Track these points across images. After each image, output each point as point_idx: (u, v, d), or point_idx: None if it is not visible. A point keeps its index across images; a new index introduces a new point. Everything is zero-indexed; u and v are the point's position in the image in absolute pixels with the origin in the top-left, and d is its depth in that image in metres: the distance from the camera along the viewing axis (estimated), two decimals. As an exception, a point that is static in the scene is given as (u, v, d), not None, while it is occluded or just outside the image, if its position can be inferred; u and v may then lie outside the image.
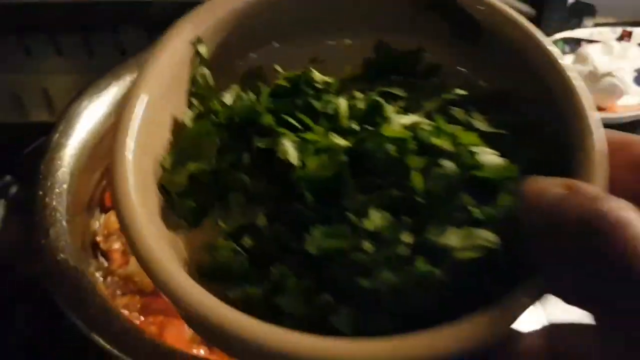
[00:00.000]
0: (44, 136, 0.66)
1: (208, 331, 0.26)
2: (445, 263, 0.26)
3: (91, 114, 0.67)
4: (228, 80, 0.34)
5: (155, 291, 0.67)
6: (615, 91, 0.98)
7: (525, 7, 1.13)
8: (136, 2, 0.95)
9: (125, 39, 0.99)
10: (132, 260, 0.67)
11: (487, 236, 0.26)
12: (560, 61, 0.32)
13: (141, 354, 0.52)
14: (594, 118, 0.29)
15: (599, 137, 0.28)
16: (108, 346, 0.51)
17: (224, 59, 0.34)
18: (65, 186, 0.61)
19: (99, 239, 0.70)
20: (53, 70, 1.02)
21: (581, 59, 1.02)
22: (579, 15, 1.13)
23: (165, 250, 0.28)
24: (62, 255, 0.57)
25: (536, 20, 1.13)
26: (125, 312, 0.65)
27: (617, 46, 1.03)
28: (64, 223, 0.59)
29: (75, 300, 0.54)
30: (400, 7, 0.36)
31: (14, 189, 0.73)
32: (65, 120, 0.66)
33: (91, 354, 0.55)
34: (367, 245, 0.27)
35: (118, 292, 0.67)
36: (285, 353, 0.24)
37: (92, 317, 0.54)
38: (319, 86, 0.33)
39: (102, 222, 0.71)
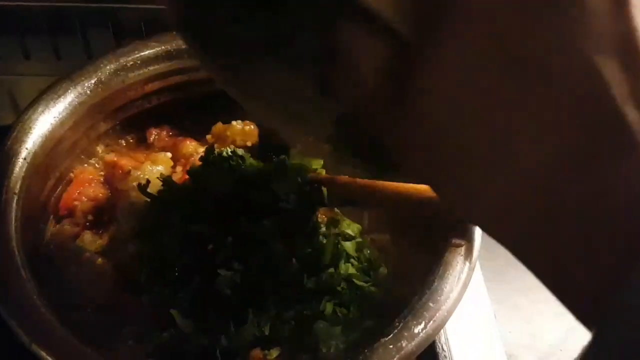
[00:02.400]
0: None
1: None
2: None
3: (46, 120, 0.66)
4: None
5: (109, 305, 0.66)
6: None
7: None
8: (105, 7, 0.95)
9: (93, 44, 0.98)
10: (84, 270, 0.65)
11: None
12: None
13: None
14: None
15: None
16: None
17: None
18: (16, 193, 0.60)
19: (52, 247, 0.68)
20: (20, 73, 1.01)
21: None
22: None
23: None
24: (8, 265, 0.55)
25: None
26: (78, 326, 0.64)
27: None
28: (13, 232, 0.58)
29: (18, 312, 0.53)
30: None
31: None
32: (19, 126, 0.64)
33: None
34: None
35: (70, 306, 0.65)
36: None
37: (36, 330, 0.53)
38: None
39: (56, 230, 0.69)
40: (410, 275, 0.63)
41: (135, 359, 0.60)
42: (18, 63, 0.99)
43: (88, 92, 0.69)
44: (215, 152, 0.69)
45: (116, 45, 0.94)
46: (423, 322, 0.52)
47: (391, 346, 0.51)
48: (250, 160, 0.68)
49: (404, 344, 0.50)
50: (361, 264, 0.66)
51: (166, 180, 0.68)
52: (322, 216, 0.66)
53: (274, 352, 0.61)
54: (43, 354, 0.50)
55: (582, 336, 0.84)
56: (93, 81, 0.69)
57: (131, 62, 0.72)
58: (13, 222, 0.58)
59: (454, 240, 0.60)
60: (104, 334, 0.63)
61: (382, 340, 0.51)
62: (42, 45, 0.98)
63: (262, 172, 0.65)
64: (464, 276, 0.56)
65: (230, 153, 0.68)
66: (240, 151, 0.69)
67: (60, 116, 0.67)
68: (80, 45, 0.98)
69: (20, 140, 0.63)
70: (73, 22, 0.96)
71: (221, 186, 0.66)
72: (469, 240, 0.59)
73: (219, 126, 0.79)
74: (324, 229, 0.64)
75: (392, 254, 0.70)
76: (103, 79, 0.70)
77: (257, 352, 0.60)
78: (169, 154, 0.74)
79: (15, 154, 0.62)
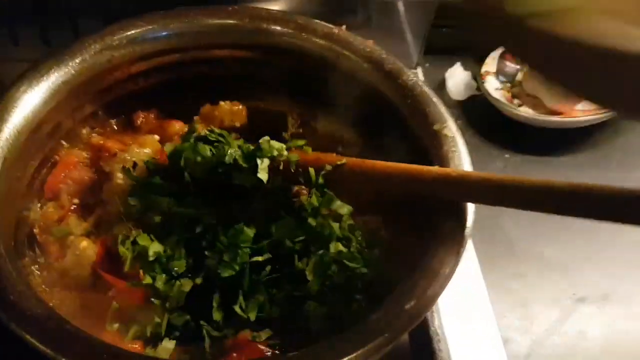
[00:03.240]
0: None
1: None
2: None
3: (30, 99, 0.64)
4: None
5: (95, 286, 0.64)
6: (573, 95, 0.99)
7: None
8: (95, -7, 0.93)
9: (83, 30, 0.96)
10: (69, 253, 0.64)
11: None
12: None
13: (74, 352, 0.50)
14: None
15: None
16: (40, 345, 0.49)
17: None
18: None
19: (35, 230, 0.66)
20: (8, 58, 0.99)
21: (540, 63, 1.02)
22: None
23: None
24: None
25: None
26: (62, 308, 0.62)
27: (575, 51, 1.03)
28: (-6, 211, 0.57)
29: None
30: None
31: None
32: (2, 105, 0.63)
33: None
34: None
35: (55, 288, 0.64)
36: None
37: (18, 311, 0.51)
38: None
39: (40, 213, 0.68)
40: (402, 256, 0.62)
41: (122, 341, 0.59)
42: (5, 48, 0.97)
43: (72, 71, 0.67)
44: (195, 132, 0.68)
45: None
46: (414, 299, 0.51)
47: (380, 323, 0.49)
48: (229, 139, 0.67)
49: (393, 320, 0.49)
50: (353, 245, 0.65)
51: (150, 162, 0.67)
52: (311, 196, 0.65)
53: (264, 334, 0.60)
54: (23, 333, 0.48)
55: (577, 320, 0.83)
56: (77, 60, 0.68)
57: (117, 42, 0.70)
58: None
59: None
60: (89, 316, 0.61)
61: (372, 316, 0.50)
62: (31, 30, 0.97)
63: (245, 153, 0.64)
64: (454, 254, 0.55)
65: (208, 132, 0.67)
66: (217, 130, 0.67)
67: (44, 96, 0.65)
68: (70, 31, 0.96)
69: (1, 119, 0.61)
70: (62, 8, 0.94)
71: (198, 166, 0.64)
72: (461, 219, 0.58)
73: (207, 107, 0.77)
74: (310, 210, 0.63)
75: (384, 235, 0.69)
76: (88, 59, 0.69)
77: (245, 334, 0.59)
78: (157, 137, 0.73)
79: (-3, 132, 0.60)
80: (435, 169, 0.59)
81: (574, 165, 1.00)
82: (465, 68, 1.10)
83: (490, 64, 1.06)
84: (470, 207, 0.59)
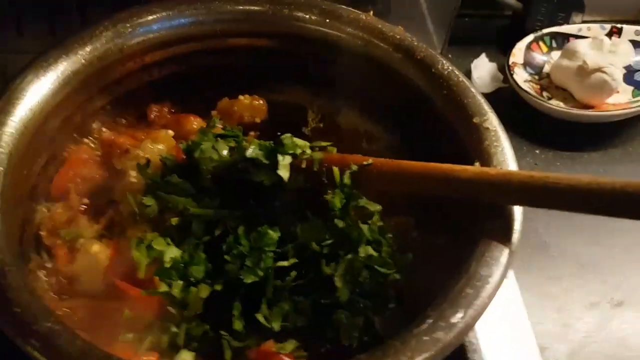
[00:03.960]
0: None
1: None
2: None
3: (36, 91, 0.60)
4: None
5: (107, 294, 0.60)
6: (605, 88, 0.94)
7: (512, 1, 1.08)
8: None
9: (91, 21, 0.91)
10: (79, 257, 0.59)
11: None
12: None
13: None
14: None
15: None
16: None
17: None
18: (1, 169, 0.54)
19: (42, 232, 0.62)
20: (13, 50, 0.94)
21: (569, 54, 0.97)
22: (567, 10, 1.08)
23: None
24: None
25: (523, 15, 1.09)
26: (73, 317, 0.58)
27: (607, 41, 0.98)
28: (-2, 211, 0.52)
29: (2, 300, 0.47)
30: None
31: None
32: (6, 96, 0.58)
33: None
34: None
35: (63, 296, 0.59)
36: None
37: (20, 320, 0.46)
38: None
39: (47, 214, 0.63)
40: (436, 261, 0.58)
41: (137, 353, 0.54)
42: (10, 40, 0.93)
43: (82, 61, 0.63)
44: (214, 125, 0.64)
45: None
46: (461, 310, 0.46)
47: (426, 337, 0.45)
48: (242, 138, 0.62)
49: (440, 335, 0.44)
50: (383, 249, 0.60)
51: (168, 158, 0.62)
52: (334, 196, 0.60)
53: (289, 346, 0.55)
54: (30, 350, 0.44)
55: (616, 325, 0.78)
56: (88, 49, 0.63)
57: (129, 29, 0.66)
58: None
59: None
60: (101, 326, 0.57)
61: (415, 331, 0.45)
62: (37, 21, 0.92)
63: (265, 151, 0.59)
64: (503, 259, 0.50)
65: (223, 130, 0.62)
66: (231, 129, 0.63)
67: (52, 87, 0.61)
68: (78, 21, 0.91)
69: (6, 112, 0.56)
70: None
71: (217, 163, 0.60)
72: (508, 220, 0.53)
73: (225, 101, 0.73)
74: (338, 210, 0.58)
75: (416, 238, 0.64)
76: (99, 47, 0.64)
77: (269, 345, 0.54)
78: (171, 132, 0.68)
79: (2, 125, 0.56)
80: (471, 168, 0.54)
81: (606, 161, 0.95)
82: (490, 59, 1.05)
83: (518, 55, 1.01)
84: (518, 208, 0.54)
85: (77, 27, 0.89)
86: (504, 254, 0.50)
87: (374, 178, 0.61)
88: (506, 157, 0.57)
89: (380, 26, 0.69)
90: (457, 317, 0.45)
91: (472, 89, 0.62)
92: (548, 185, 0.51)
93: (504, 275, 0.49)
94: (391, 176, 0.60)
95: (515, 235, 0.52)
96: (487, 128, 0.59)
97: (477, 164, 0.57)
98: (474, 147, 0.59)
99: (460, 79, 0.63)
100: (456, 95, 0.62)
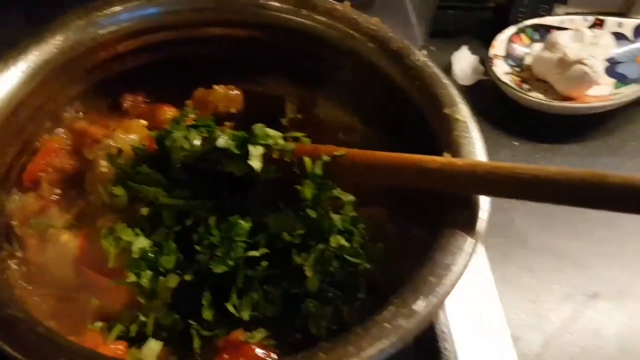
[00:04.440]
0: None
1: None
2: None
3: (5, 80, 0.59)
4: None
5: (77, 283, 0.60)
6: (585, 79, 0.94)
7: (495, -8, 1.08)
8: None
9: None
10: (50, 247, 0.59)
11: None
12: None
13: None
14: None
15: None
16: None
17: None
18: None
19: (13, 222, 0.62)
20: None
21: (550, 46, 0.97)
22: (549, 2, 1.08)
23: None
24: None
25: (506, 7, 1.09)
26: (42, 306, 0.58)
27: (589, 33, 0.98)
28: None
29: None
30: None
31: None
32: (-26, 86, 0.58)
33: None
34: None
35: (33, 285, 0.59)
36: None
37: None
38: None
39: (19, 204, 0.63)
40: (410, 252, 0.58)
41: (106, 342, 0.54)
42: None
43: (54, 50, 0.62)
44: (186, 118, 0.63)
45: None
46: (422, 298, 0.46)
47: (387, 325, 0.45)
48: (214, 128, 0.62)
49: (402, 322, 0.45)
50: (355, 239, 0.60)
51: (139, 148, 0.62)
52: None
53: (258, 334, 0.55)
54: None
55: (590, 317, 0.78)
56: (60, 38, 0.63)
57: (102, 18, 0.65)
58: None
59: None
60: (71, 315, 0.57)
61: (376, 318, 0.45)
62: (15, 12, 0.92)
63: (237, 141, 0.59)
64: (467, 248, 0.50)
65: (194, 120, 0.62)
66: (204, 120, 0.63)
67: (22, 75, 0.60)
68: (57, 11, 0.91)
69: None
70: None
71: (188, 152, 0.60)
72: (474, 211, 0.53)
73: (200, 91, 0.72)
74: (310, 201, 0.58)
75: (389, 228, 0.64)
76: (71, 36, 0.64)
77: (238, 334, 0.54)
78: (144, 122, 0.68)
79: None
80: (439, 158, 0.54)
81: (586, 154, 0.96)
82: (472, 52, 1.05)
83: (499, 47, 1.01)
84: (485, 198, 0.54)
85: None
86: (468, 243, 0.50)
87: (347, 169, 0.60)
88: (475, 148, 0.57)
89: (355, 17, 0.69)
90: (419, 305, 0.46)
91: (445, 80, 0.62)
92: (514, 175, 0.51)
93: (467, 264, 0.49)
94: (363, 167, 0.60)
95: (481, 225, 0.52)
96: (457, 119, 0.59)
97: (445, 154, 0.57)
98: (445, 138, 0.59)
99: (433, 70, 0.63)
100: (428, 86, 0.62)
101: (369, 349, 0.44)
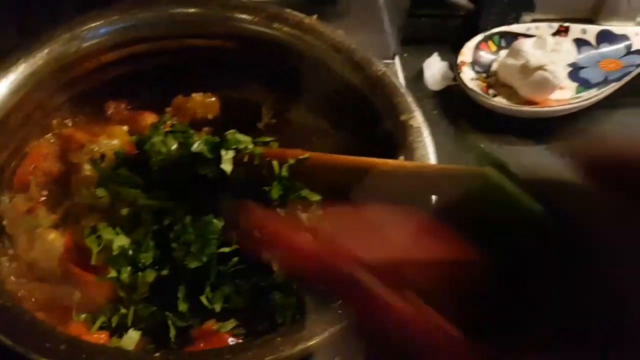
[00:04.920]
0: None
1: None
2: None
3: (-4, 90, 0.64)
4: None
5: (64, 278, 0.64)
6: (547, 85, 0.99)
7: (464, 1, 1.13)
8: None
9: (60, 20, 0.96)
10: (38, 244, 0.64)
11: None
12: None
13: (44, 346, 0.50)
14: None
15: None
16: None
17: None
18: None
19: (4, 222, 0.67)
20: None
21: (514, 53, 1.02)
22: (517, 9, 1.14)
23: None
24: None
25: (475, 15, 1.14)
26: (31, 298, 0.63)
27: (551, 40, 1.04)
28: (-41, 203, 0.57)
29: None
30: None
31: None
32: (-32, 96, 0.63)
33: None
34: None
35: (23, 279, 0.64)
36: None
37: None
38: None
39: (9, 205, 0.68)
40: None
41: (89, 331, 0.59)
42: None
43: (40, 62, 0.67)
44: (165, 124, 0.68)
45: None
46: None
47: (340, 311, 0.50)
48: (190, 133, 0.67)
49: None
50: (320, 236, 0.65)
51: (120, 152, 0.67)
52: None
53: (229, 324, 0.60)
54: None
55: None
56: (45, 51, 0.67)
57: (85, 32, 0.70)
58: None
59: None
60: (57, 308, 0.62)
61: (330, 306, 0.51)
62: (6, 20, 0.96)
63: (210, 144, 0.64)
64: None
65: (171, 126, 0.67)
66: (180, 126, 0.68)
67: (11, 86, 0.65)
68: (47, 19, 0.95)
69: (-33, 111, 0.61)
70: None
71: (165, 157, 0.65)
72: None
73: (179, 99, 0.77)
74: (277, 202, 0.63)
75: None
76: (56, 48, 0.69)
77: (210, 324, 0.60)
78: (126, 127, 0.73)
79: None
80: (392, 161, 0.59)
81: (549, 154, 1.00)
82: (443, 58, 1.10)
83: (466, 54, 1.06)
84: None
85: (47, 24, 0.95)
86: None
87: (312, 170, 0.66)
88: (427, 151, 0.62)
89: (322, 29, 0.74)
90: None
91: (402, 89, 0.67)
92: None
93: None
94: (325, 169, 0.65)
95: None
96: (412, 125, 0.64)
97: (401, 157, 0.62)
98: (401, 143, 0.64)
99: (391, 80, 0.68)
100: (387, 95, 0.67)
101: (323, 334, 0.49)
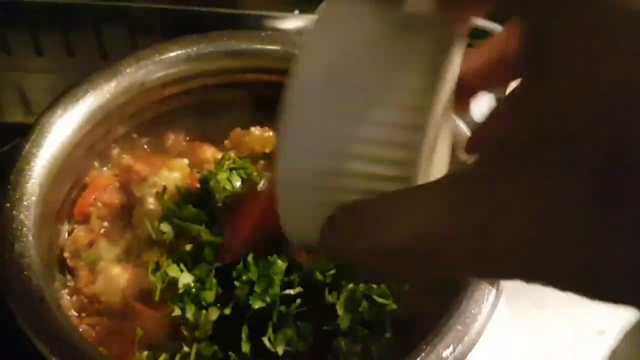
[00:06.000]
0: (20, 137, 0.63)
1: None
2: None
3: (65, 124, 0.64)
4: None
5: (123, 314, 0.64)
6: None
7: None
8: (119, 5, 0.93)
9: (107, 41, 0.97)
10: (100, 279, 0.64)
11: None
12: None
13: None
14: None
15: None
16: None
17: None
18: (34, 199, 0.59)
19: (66, 254, 0.67)
20: (32, 69, 1.00)
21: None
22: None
23: None
24: (25, 272, 0.54)
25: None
26: (92, 333, 0.63)
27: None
28: (30, 238, 0.57)
29: (35, 320, 0.52)
30: None
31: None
32: (37, 129, 0.63)
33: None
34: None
35: (83, 313, 0.64)
36: None
37: (53, 338, 0.51)
38: None
39: (70, 237, 0.68)
40: (431, 292, 0.62)
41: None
42: (30, 59, 0.98)
43: (107, 95, 0.67)
44: (229, 159, 0.68)
45: (131, 44, 0.93)
46: (451, 346, 0.50)
47: (420, 369, 0.49)
48: (252, 170, 0.67)
49: (432, 368, 0.49)
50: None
51: (182, 187, 0.67)
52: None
53: (292, 368, 0.60)
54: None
55: (599, 354, 0.81)
56: (113, 84, 0.68)
57: (151, 65, 0.70)
58: (32, 229, 0.56)
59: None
60: (118, 342, 0.62)
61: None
62: (54, 41, 0.97)
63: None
64: (491, 297, 0.54)
65: (232, 162, 0.67)
66: (242, 162, 0.68)
67: (79, 120, 0.65)
68: (94, 41, 0.96)
69: (38, 145, 0.61)
70: (86, 18, 0.95)
71: (228, 194, 0.65)
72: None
73: (237, 132, 0.77)
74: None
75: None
76: (122, 82, 0.69)
77: (273, 368, 0.59)
78: (186, 160, 0.73)
79: (34, 157, 0.60)
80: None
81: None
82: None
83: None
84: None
85: (93, 45, 0.96)
86: (492, 292, 0.55)
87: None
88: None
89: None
90: (447, 352, 0.50)
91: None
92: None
93: (491, 313, 0.54)
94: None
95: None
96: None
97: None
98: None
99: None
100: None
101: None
